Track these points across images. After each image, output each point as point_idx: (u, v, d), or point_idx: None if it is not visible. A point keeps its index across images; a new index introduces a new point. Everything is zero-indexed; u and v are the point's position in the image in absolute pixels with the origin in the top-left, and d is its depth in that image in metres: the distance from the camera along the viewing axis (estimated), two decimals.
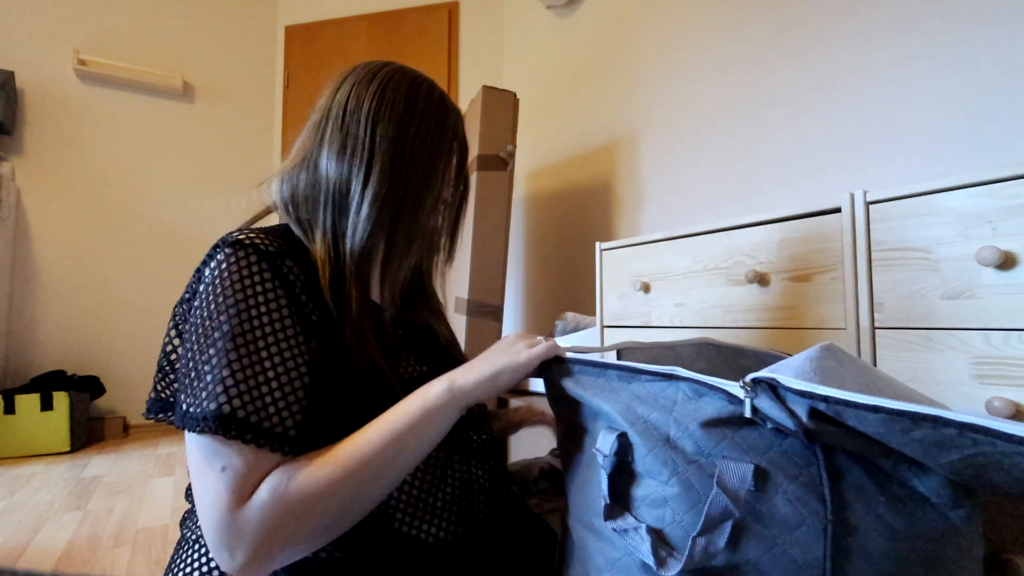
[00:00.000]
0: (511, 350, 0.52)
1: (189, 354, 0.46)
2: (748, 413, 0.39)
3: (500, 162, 1.85)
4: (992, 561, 0.53)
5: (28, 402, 2.13)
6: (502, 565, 0.57)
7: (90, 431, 2.42)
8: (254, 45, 2.93)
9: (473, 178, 1.83)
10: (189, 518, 0.55)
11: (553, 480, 0.80)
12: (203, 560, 0.50)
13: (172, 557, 0.54)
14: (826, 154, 1.29)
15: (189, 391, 0.45)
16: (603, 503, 0.44)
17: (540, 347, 0.52)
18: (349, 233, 0.55)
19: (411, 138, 0.56)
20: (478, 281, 1.80)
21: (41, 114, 2.47)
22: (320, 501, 0.44)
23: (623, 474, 0.45)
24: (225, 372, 0.44)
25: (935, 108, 1.08)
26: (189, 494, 0.56)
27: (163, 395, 0.50)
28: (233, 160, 2.87)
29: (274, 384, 0.45)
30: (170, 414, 0.47)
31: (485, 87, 1.85)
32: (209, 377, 0.44)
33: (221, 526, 0.42)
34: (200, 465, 0.44)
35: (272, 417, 0.44)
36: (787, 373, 0.40)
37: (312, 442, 0.48)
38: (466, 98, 2.72)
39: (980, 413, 0.32)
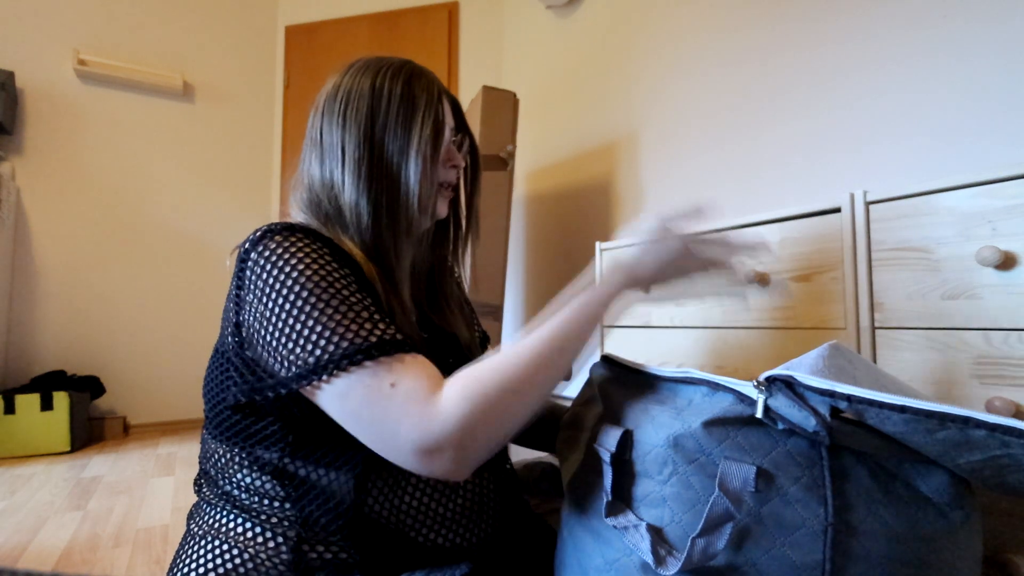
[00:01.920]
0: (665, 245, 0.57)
1: (297, 315, 0.46)
2: (760, 414, 0.38)
3: (500, 162, 1.85)
4: (992, 561, 0.54)
5: (28, 402, 2.13)
6: (503, 565, 0.57)
7: (90, 431, 2.42)
8: (254, 45, 2.93)
9: None
10: (196, 513, 0.55)
11: (553, 481, 0.80)
12: (208, 557, 0.50)
13: (177, 551, 0.54)
14: (826, 154, 1.29)
15: (301, 347, 0.45)
16: (604, 500, 0.44)
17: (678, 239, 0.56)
18: (355, 234, 0.57)
19: (379, 129, 0.57)
20: (478, 281, 1.80)
21: (41, 114, 2.47)
22: (511, 372, 0.45)
23: (624, 473, 0.45)
24: (326, 319, 0.45)
25: (935, 108, 1.09)
26: (198, 486, 0.56)
27: (255, 389, 0.49)
28: (233, 160, 2.86)
29: (365, 315, 0.47)
30: (269, 394, 0.47)
31: (485, 87, 1.85)
32: (319, 328, 0.45)
33: (420, 432, 0.42)
34: (367, 397, 0.44)
35: (384, 332, 0.46)
36: (802, 371, 0.40)
37: (329, 435, 0.48)
38: (466, 98, 2.72)
39: (1003, 417, 0.32)
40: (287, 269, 0.47)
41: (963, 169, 1.03)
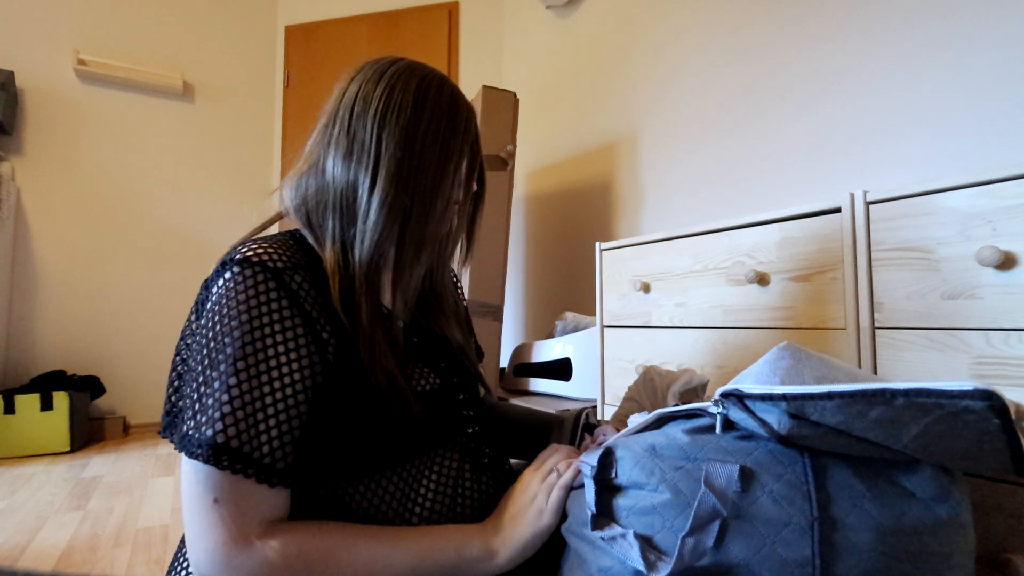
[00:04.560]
0: (533, 508, 0.51)
1: (193, 374, 0.45)
2: (719, 429, 0.41)
3: (500, 162, 1.85)
4: (992, 561, 0.54)
5: (28, 402, 2.13)
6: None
7: (90, 431, 2.42)
8: (254, 45, 2.93)
9: None
10: None
11: None
12: None
13: (175, 555, 0.54)
14: (826, 153, 1.29)
15: (190, 414, 0.44)
16: (589, 514, 0.45)
17: (557, 496, 0.50)
18: (357, 242, 0.53)
19: (419, 142, 0.54)
20: (478, 281, 1.80)
21: (41, 114, 2.47)
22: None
23: (610, 487, 0.46)
24: (224, 398, 0.43)
25: (935, 108, 1.08)
26: None
27: (174, 410, 0.49)
28: (233, 160, 2.87)
29: (271, 411, 0.45)
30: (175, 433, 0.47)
31: (485, 87, 1.85)
32: (210, 402, 0.43)
33: (216, 559, 0.41)
34: (193, 491, 0.43)
35: (263, 447, 0.44)
36: (748, 380, 0.41)
37: (324, 459, 0.48)
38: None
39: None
40: (216, 325, 0.46)
41: (963, 169, 1.03)
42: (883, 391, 0.32)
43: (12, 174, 2.39)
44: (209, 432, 0.42)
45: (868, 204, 0.80)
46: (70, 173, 2.52)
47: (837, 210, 0.84)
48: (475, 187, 0.64)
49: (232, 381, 0.44)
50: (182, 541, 0.54)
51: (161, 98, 2.71)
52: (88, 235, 2.55)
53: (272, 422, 0.44)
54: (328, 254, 0.53)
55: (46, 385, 2.25)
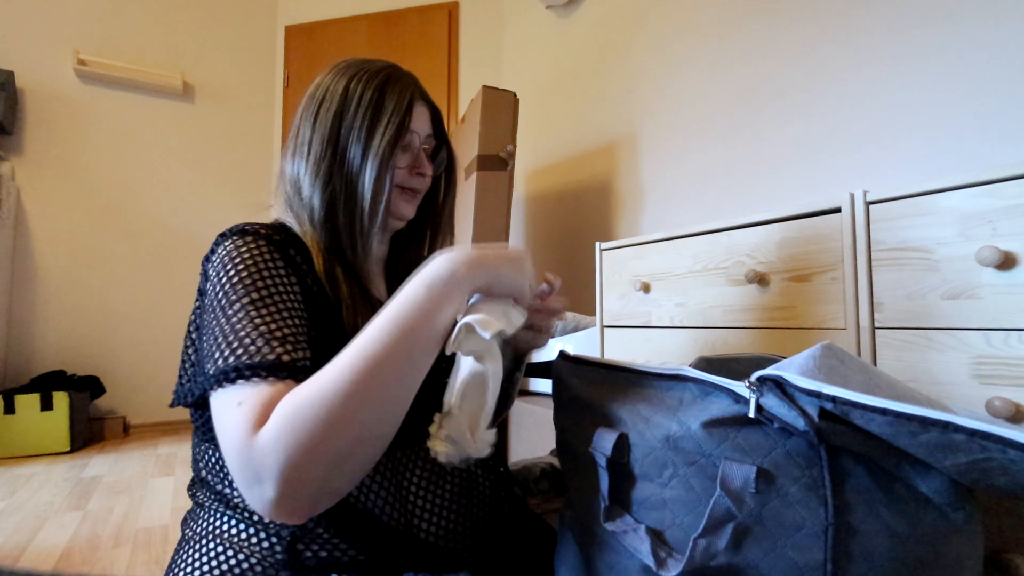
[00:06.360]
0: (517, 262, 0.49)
1: (215, 323, 0.47)
2: (752, 413, 0.38)
3: (500, 162, 1.85)
4: (992, 561, 0.53)
5: (28, 402, 2.13)
6: (502, 565, 0.57)
7: (90, 431, 2.42)
8: (254, 45, 2.93)
9: (473, 178, 1.82)
10: (190, 518, 0.55)
11: (554, 480, 0.80)
12: (203, 560, 0.50)
13: (173, 557, 0.54)
14: (826, 154, 1.29)
15: (226, 350, 0.45)
16: (602, 505, 0.44)
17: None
18: (317, 228, 0.59)
19: (343, 137, 0.59)
20: None
21: (41, 114, 2.47)
22: (330, 405, 0.40)
23: (622, 477, 0.45)
24: (251, 326, 0.46)
25: (935, 108, 1.08)
26: (192, 491, 0.56)
27: (186, 375, 0.52)
28: (233, 160, 2.86)
29: (289, 329, 0.48)
30: (196, 391, 0.47)
31: (485, 87, 1.85)
32: (243, 332, 0.46)
33: (243, 458, 0.40)
34: (222, 411, 0.43)
35: (294, 352, 0.46)
36: (792, 371, 0.40)
37: None
38: (466, 98, 2.72)
39: (985, 417, 0.32)
40: (223, 279, 0.50)
41: (963, 169, 1.03)
42: (944, 423, 0.32)
43: (12, 174, 2.39)
44: (231, 360, 0.44)
45: (868, 204, 0.80)
46: (70, 173, 2.52)
47: (837, 210, 0.84)
48: (429, 171, 0.65)
49: (254, 314, 0.47)
50: (181, 541, 0.54)
51: (161, 98, 2.71)
52: (88, 235, 2.55)
53: (291, 335, 0.47)
54: (308, 239, 0.59)
55: (46, 385, 2.25)
